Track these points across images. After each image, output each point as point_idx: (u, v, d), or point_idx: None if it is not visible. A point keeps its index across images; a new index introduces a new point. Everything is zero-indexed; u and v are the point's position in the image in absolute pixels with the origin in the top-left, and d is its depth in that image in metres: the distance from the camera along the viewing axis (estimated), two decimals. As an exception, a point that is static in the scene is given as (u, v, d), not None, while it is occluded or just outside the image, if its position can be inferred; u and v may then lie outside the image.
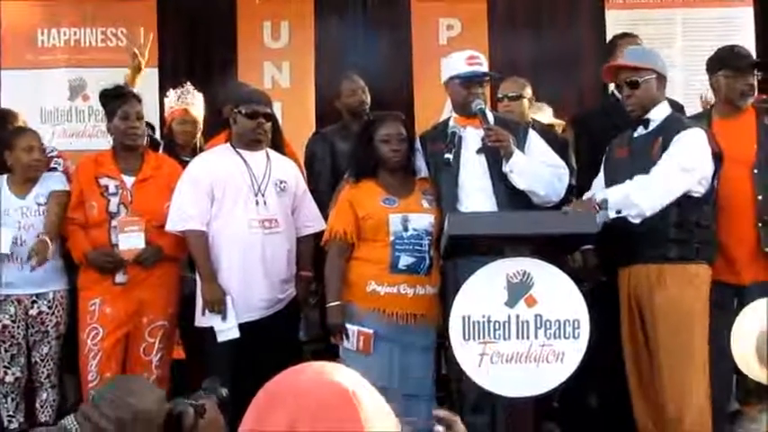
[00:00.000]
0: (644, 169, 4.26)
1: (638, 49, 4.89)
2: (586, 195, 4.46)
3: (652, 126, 4.38)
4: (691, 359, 4.23)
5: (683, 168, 4.22)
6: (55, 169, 5.14)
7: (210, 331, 4.67)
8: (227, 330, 4.65)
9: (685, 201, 4.25)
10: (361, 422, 1.52)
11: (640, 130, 4.41)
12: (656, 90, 4.40)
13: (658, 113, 4.40)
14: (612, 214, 4.10)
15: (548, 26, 7.47)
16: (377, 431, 1.53)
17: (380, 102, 6.40)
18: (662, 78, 4.44)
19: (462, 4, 7.47)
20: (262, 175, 4.77)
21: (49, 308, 4.95)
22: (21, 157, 4.94)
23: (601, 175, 4.59)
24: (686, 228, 4.26)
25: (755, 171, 4.54)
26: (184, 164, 5.06)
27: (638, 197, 4.16)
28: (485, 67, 4.72)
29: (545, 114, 5.90)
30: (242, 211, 4.71)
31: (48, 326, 4.94)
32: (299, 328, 5.31)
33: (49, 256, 4.76)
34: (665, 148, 4.26)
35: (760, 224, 4.48)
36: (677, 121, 4.42)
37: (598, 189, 4.45)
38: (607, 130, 5.08)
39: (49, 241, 4.76)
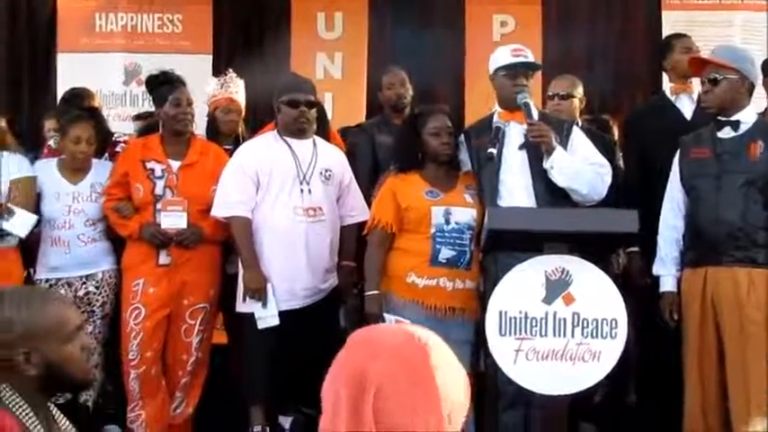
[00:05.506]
0: (738, 171, 4.18)
1: (728, 48, 4.69)
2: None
3: (743, 128, 4.27)
4: None
5: None
6: (118, 153, 5.24)
7: (250, 318, 4.70)
8: (267, 317, 4.67)
9: None
10: (431, 366, 1.53)
11: (727, 131, 4.28)
12: (738, 92, 4.27)
13: (747, 116, 4.29)
14: None
15: (603, 25, 7.41)
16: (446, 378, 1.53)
17: (432, 97, 6.40)
18: (746, 81, 4.29)
19: (517, 1, 7.44)
20: (308, 163, 4.78)
21: (97, 288, 4.97)
22: (68, 146, 5.00)
23: (674, 175, 4.46)
24: None
25: None
26: (226, 152, 5.08)
27: None
28: (530, 59, 4.64)
29: None
30: (287, 199, 4.72)
31: (93, 306, 4.94)
32: (339, 317, 5.32)
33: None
34: None
35: None
36: None
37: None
38: (657, 131, 5.04)
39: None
